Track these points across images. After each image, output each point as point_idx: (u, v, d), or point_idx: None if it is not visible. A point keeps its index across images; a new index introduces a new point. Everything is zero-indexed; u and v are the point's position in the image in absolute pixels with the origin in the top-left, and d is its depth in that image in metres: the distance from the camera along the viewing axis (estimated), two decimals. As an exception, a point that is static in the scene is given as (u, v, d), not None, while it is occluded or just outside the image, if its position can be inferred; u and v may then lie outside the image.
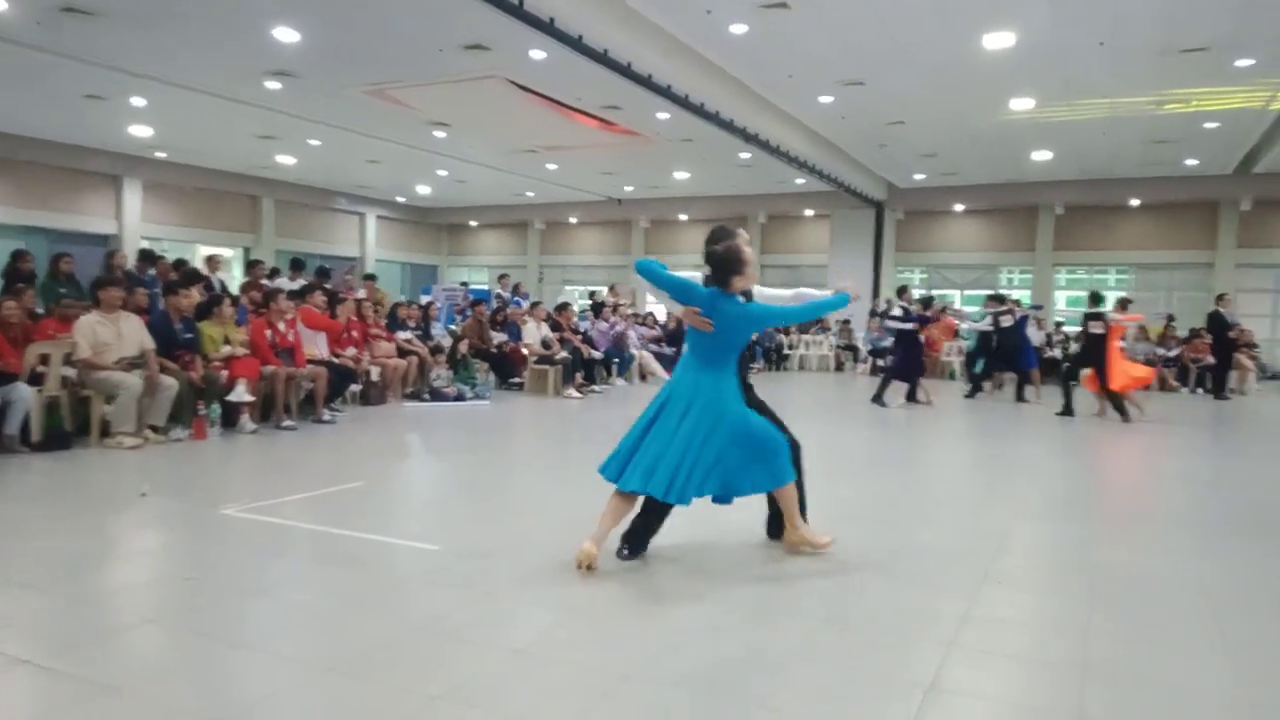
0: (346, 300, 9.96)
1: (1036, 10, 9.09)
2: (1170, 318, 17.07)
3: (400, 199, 25.80)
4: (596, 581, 3.69)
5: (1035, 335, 13.99)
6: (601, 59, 9.94)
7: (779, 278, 24.34)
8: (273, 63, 11.56)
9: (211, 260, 11.72)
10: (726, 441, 3.79)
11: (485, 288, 18.65)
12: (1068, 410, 10.49)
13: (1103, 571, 4.09)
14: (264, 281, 10.98)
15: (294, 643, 3.02)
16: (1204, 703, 2.71)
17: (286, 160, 19.07)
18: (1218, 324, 14.18)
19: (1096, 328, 10.44)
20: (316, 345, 8.95)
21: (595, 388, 12.09)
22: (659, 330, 16.40)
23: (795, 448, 4.18)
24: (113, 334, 6.93)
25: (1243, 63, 10.41)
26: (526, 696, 2.61)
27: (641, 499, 3.93)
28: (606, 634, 3.16)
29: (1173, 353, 15.91)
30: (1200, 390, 14.97)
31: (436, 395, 10.14)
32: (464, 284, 19.41)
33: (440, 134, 16.14)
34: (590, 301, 17.79)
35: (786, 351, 18.86)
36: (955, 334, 16.61)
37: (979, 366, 13.14)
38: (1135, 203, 19.36)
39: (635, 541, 4.04)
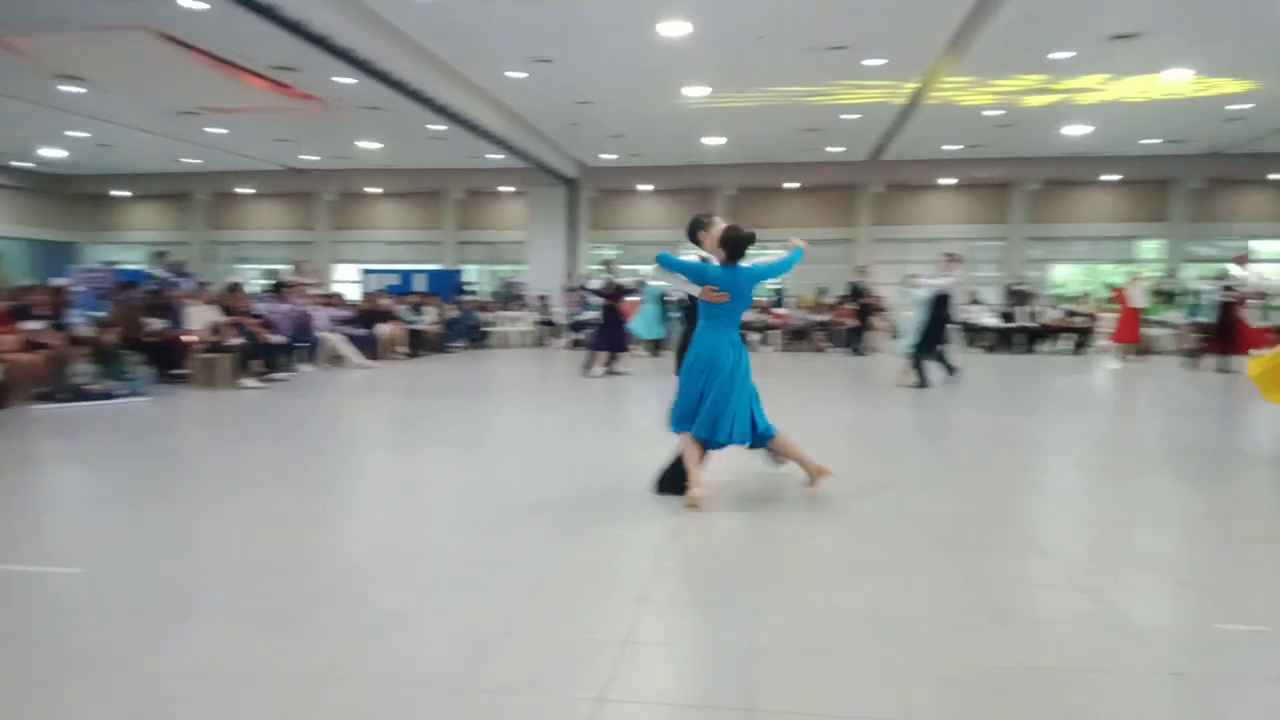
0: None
1: (704, 2, 9.74)
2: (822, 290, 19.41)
3: (22, 164, 21.87)
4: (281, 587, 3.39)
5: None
6: (268, 14, 9.07)
7: (480, 254, 24.16)
8: None
9: None
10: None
11: (139, 267, 16.44)
12: None
13: (781, 512, 4.53)
14: None
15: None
16: (860, 621, 3.09)
17: None
18: (856, 292, 16.54)
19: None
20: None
21: (278, 376, 11.15)
22: (350, 311, 15.51)
23: None
24: None
25: (873, 62, 11.97)
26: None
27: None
28: (296, 639, 2.91)
29: (824, 318, 18.08)
30: (851, 350, 17.18)
31: (79, 394, 8.75)
32: (109, 263, 16.95)
33: (73, 89, 13.85)
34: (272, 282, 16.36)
35: (486, 329, 18.74)
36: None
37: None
38: (792, 185, 21.69)
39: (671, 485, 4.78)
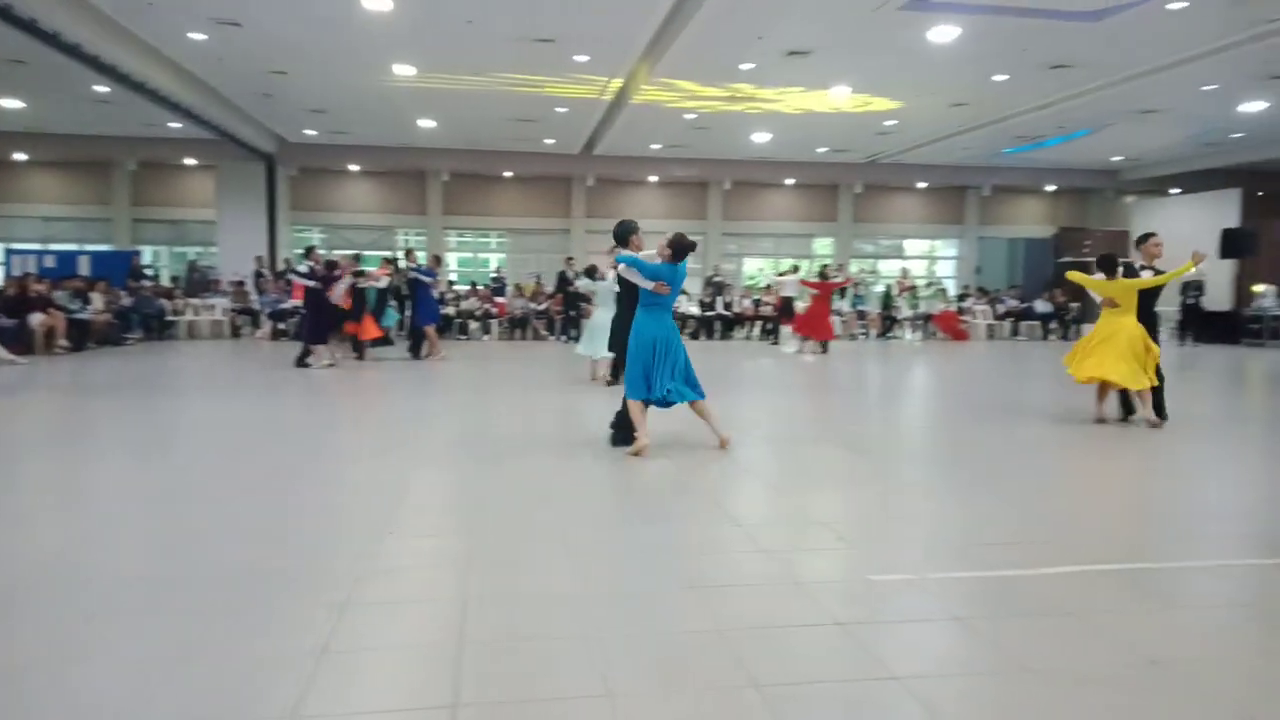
0: None
1: (411, -22, 9.41)
2: (539, 277, 19.67)
3: None
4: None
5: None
6: None
7: (162, 234, 21.56)
8: None
9: None
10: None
11: None
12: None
13: (483, 508, 4.52)
14: None
15: None
16: (567, 606, 3.16)
17: None
18: (564, 281, 17.07)
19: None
20: None
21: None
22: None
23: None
24: None
25: (581, 57, 12.28)
26: None
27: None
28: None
29: (542, 306, 18.35)
30: (564, 337, 17.56)
31: None
32: None
33: None
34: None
35: (171, 318, 16.78)
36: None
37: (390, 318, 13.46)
38: (508, 174, 21.71)
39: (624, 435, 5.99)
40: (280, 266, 18.77)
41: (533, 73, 13.23)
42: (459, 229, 22.64)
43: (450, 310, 17.59)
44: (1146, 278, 7.33)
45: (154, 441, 6.52)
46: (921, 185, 23.26)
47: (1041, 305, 20.51)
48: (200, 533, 4.02)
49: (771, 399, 9.53)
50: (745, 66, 12.70)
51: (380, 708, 2.45)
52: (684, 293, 19.42)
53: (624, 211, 22.60)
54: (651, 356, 5.86)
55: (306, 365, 11.07)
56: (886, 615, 3.17)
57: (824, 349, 14.76)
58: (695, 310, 19.08)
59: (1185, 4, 9.75)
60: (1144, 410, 7.19)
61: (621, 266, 6.06)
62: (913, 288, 20.24)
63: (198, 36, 11.63)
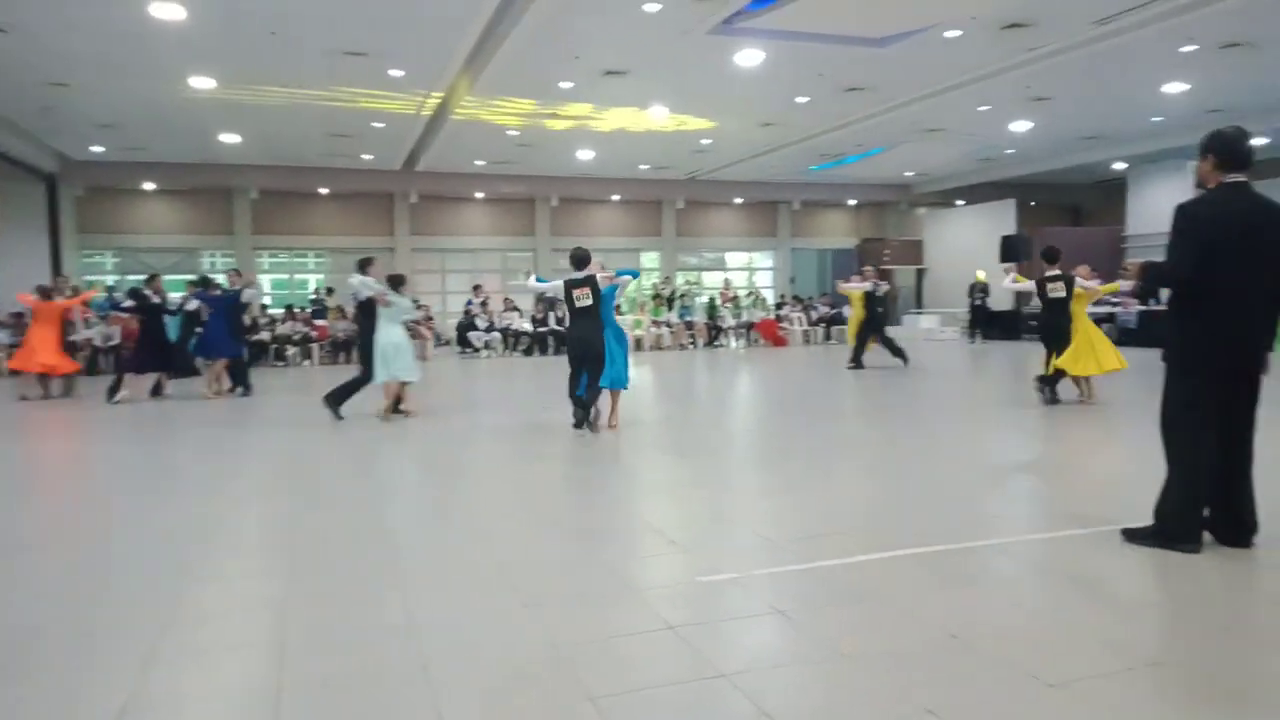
0: None
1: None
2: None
3: None
4: None
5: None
6: None
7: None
8: None
9: None
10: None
11: None
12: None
13: (299, 539, 4.32)
14: None
15: None
16: (395, 639, 3.08)
17: None
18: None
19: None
20: None
21: None
22: None
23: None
24: None
25: (396, 72, 11.98)
26: None
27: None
28: None
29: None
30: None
31: None
32: None
33: None
34: None
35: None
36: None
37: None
38: (324, 191, 20.79)
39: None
40: (67, 294, 17.05)
41: (345, 86, 12.77)
42: (272, 249, 21.43)
43: (265, 335, 16.64)
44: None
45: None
46: (738, 201, 24.32)
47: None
48: (-27, 597, 3.59)
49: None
50: (565, 85, 12.84)
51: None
52: (515, 309, 19.36)
53: (450, 229, 22.23)
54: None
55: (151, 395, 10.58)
56: (714, 615, 3.30)
57: None
58: (528, 327, 19.01)
59: (960, 33, 10.78)
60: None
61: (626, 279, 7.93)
62: (735, 298, 21.16)
63: (-46, 42, 10.42)
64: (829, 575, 3.67)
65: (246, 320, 13.60)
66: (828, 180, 22.97)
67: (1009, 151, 19.40)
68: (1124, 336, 16.41)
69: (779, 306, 22.01)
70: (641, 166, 20.60)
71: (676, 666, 2.82)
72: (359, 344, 9.46)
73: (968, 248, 22.40)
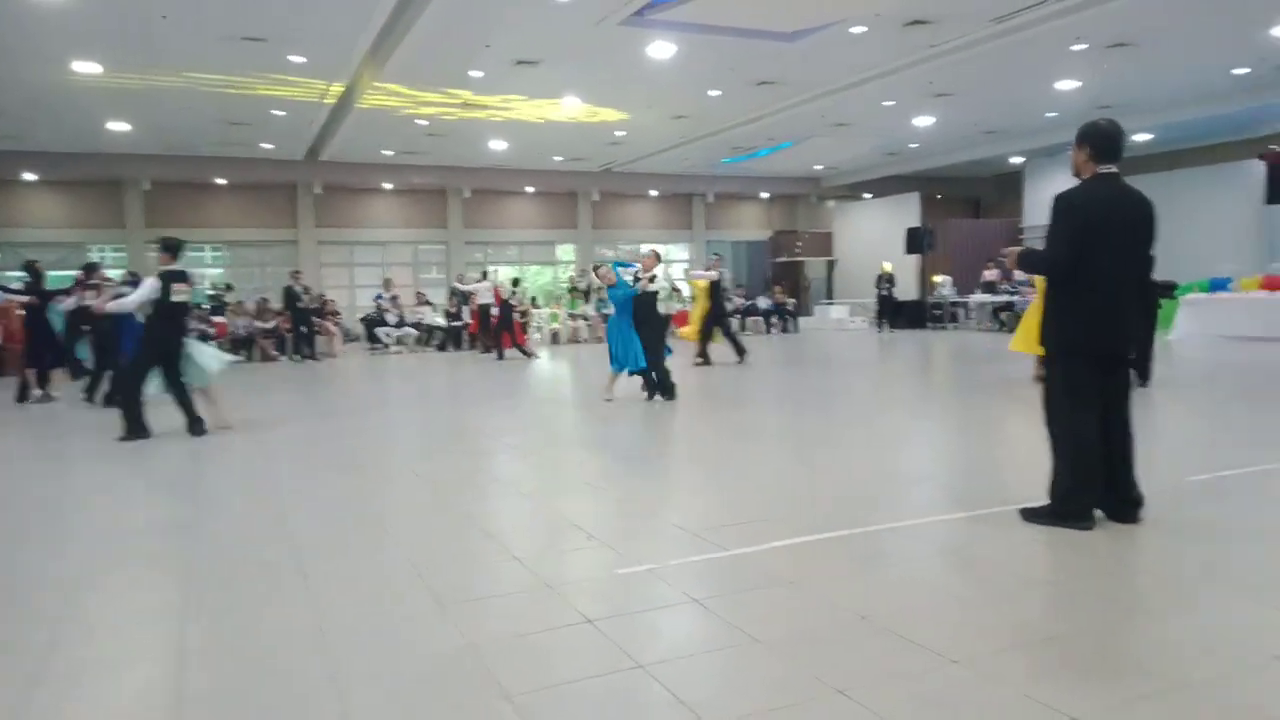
0: None
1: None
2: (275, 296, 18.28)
3: None
4: None
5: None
6: None
7: None
8: None
9: None
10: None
11: None
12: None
13: (201, 545, 4.13)
14: None
15: None
16: (293, 642, 2.97)
17: None
18: (291, 296, 16.22)
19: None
20: None
21: None
22: None
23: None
24: None
25: (296, 58, 11.55)
26: None
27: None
28: None
29: (271, 324, 17.09)
30: (297, 357, 16.43)
31: None
32: None
33: None
34: None
35: None
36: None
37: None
38: (222, 181, 19.92)
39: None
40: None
41: (243, 73, 12.25)
42: (167, 243, 20.40)
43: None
44: None
45: None
46: (653, 193, 24.41)
47: (764, 301, 22.32)
48: None
49: (504, 407, 9.56)
50: (475, 74, 12.62)
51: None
52: (428, 303, 18.96)
53: (357, 220, 21.61)
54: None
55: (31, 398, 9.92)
56: (632, 607, 3.29)
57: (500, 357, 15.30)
58: (441, 321, 18.67)
59: (865, 29, 11.04)
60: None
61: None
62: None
63: None
64: (742, 562, 3.71)
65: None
66: (741, 173, 23.26)
67: (913, 145, 20.01)
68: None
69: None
70: (555, 158, 20.45)
71: (596, 659, 2.79)
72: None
73: (875, 239, 23.06)
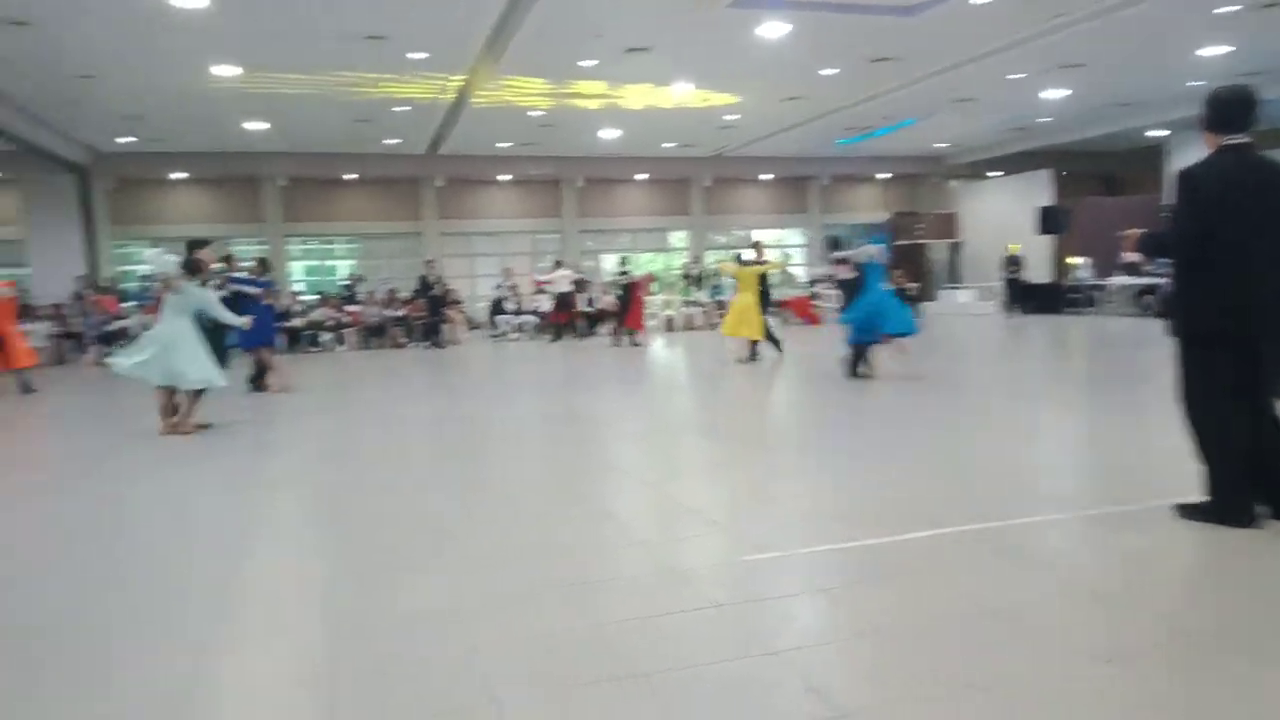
0: None
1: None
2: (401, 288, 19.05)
3: None
4: None
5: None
6: None
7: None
8: None
9: None
10: None
11: None
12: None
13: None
14: None
15: None
16: (443, 621, 3.08)
17: None
18: (425, 285, 16.79)
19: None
20: None
21: None
22: None
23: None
24: None
25: (416, 55, 11.95)
26: None
27: None
28: None
29: (400, 313, 17.80)
30: (425, 343, 17.08)
31: None
32: None
33: None
34: None
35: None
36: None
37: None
38: (351, 177, 20.85)
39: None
40: (103, 284, 17.38)
41: (367, 71, 12.75)
42: (302, 235, 21.57)
43: (299, 322, 16.80)
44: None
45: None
46: (766, 177, 24.05)
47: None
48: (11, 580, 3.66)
49: (627, 393, 9.63)
50: (587, 63, 12.72)
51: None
52: (543, 292, 19.31)
53: (477, 212, 22.21)
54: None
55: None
56: (761, 593, 3.26)
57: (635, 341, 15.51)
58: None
59: (987, 0, 10.51)
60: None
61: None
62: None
63: (-16, 38, 10.52)
64: (870, 553, 3.62)
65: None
66: (857, 154, 22.61)
67: (1043, 120, 18.98)
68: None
69: (812, 284, 21.78)
70: (666, 144, 20.42)
71: (727, 645, 2.79)
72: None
73: (1003, 220, 22.00)
